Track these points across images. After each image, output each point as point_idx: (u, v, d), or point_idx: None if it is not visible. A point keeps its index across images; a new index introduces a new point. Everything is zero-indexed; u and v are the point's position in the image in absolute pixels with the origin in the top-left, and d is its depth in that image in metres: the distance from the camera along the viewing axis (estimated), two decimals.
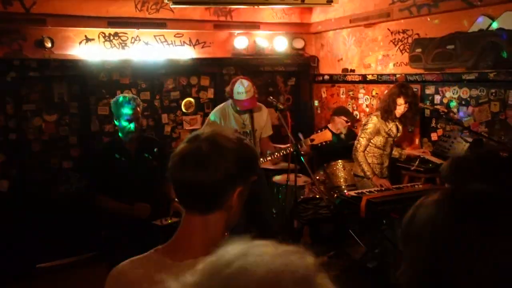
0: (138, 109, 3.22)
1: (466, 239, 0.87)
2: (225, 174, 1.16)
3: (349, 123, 5.24)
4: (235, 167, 1.17)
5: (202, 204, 1.20)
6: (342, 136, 5.19)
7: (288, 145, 3.86)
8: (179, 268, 1.15)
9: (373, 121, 4.33)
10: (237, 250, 0.61)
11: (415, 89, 4.91)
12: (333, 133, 4.98)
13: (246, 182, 1.23)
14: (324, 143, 4.00)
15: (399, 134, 4.47)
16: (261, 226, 4.20)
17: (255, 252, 0.60)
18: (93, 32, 4.85)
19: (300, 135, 4.73)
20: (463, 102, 4.48)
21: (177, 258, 1.18)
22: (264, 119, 4.10)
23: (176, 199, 3.32)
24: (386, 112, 4.26)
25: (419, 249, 0.92)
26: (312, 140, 3.89)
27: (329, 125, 5.49)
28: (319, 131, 3.96)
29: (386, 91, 4.54)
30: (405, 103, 4.20)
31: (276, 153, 3.98)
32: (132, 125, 3.16)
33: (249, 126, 4.03)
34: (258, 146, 4.10)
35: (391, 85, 4.51)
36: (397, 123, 4.38)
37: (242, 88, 3.79)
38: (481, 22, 4.19)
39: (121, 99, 3.18)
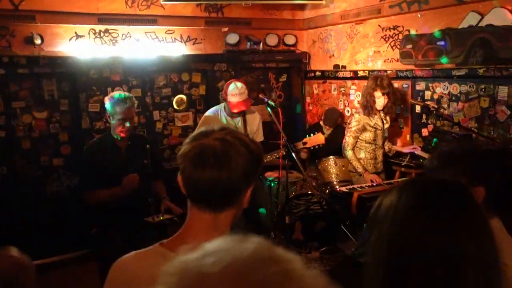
0: (134, 108, 3.20)
1: (416, 224, 0.91)
2: (243, 172, 1.16)
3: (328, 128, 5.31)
4: (250, 165, 1.18)
5: (217, 202, 1.20)
6: (326, 136, 5.26)
7: (280, 149, 3.89)
8: None
9: (356, 119, 4.39)
10: (194, 256, 0.63)
11: (406, 85, 4.95)
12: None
13: (256, 180, 1.26)
14: (316, 146, 4.02)
15: (386, 125, 4.52)
16: (255, 224, 4.22)
17: (212, 252, 0.61)
18: (83, 28, 4.82)
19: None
20: (453, 98, 4.51)
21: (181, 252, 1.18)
22: (257, 124, 4.13)
23: (166, 197, 3.33)
24: (367, 108, 4.32)
25: (380, 234, 0.96)
26: (305, 143, 3.93)
27: (321, 122, 5.52)
28: (311, 134, 3.98)
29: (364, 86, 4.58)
30: (383, 95, 4.24)
31: (268, 156, 4.01)
32: (127, 124, 3.14)
33: (241, 130, 4.05)
34: None
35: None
36: (381, 115, 4.43)
37: (235, 90, 3.82)
38: (471, 18, 4.22)
39: (116, 96, 3.14)
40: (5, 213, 4.41)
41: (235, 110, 3.84)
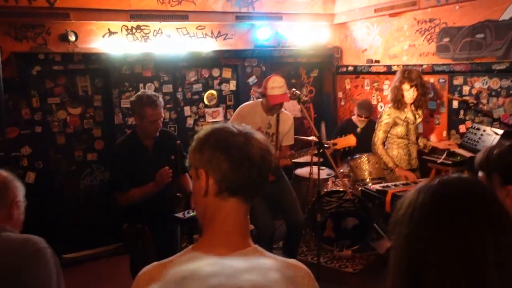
0: (162, 109, 3.20)
1: (433, 221, 0.91)
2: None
3: (364, 118, 5.23)
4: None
5: (253, 193, 1.23)
6: (358, 130, 5.14)
7: (311, 148, 3.83)
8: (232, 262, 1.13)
9: (387, 113, 4.29)
10: None
11: (442, 80, 4.78)
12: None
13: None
14: (347, 148, 3.94)
15: (419, 120, 4.40)
16: (289, 223, 4.16)
17: None
18: (116, 25, 4.87)
19: (323, 125, 4.66)
20: (493, 93, 4.32)
21: (221, 252, 1.14)
22: (289, 126, 4.08)
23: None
24: (396, 102, 4.22)
25: (399, 234, 0.95)
26: (335, 144, 3.85)
27: (353, 118, 5.41)
28: (343, 135, 3.91)
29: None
30: (411, 87, 4.13)
31: (302, 153, 3.95)
32: (156, 125, 3.15)
33: (273, 128, 4.01)
34: (279, 149, 4.08)
35: None
36: (412, 108, 4.31)
37: (276, 83, 3.80)
38: None
39: (145, 98, 3.13)
40: (40, 207, 4.52)
41: (276, 102, 3.81)
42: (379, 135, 4.30)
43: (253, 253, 1.16)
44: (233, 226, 1.19)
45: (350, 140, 3.88)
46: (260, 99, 4.07)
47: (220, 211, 1.19)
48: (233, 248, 1.15)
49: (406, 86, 4.16)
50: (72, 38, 4.57)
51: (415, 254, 0.91)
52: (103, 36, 4.83)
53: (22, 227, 1.88)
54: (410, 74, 4.16)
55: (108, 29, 4.85)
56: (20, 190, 1.84)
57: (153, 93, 3.24)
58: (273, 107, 3.88)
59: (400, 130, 4.29)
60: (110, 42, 4.85)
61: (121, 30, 4.92)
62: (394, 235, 0.98)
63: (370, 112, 5.29)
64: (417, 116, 4.37)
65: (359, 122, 5.25)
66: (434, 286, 0.88)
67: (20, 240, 1.69)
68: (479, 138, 4.14)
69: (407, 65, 5.12)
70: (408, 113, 4.28)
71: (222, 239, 1.17)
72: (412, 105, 4.30)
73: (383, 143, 4.33)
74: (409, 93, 4.17)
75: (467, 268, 0.87)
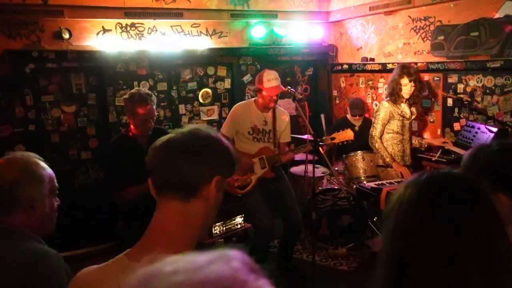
0: (154, 107, 3.20)
1: (418, 215, 0.91)
2: (203, 162, 1.15)
3: (358, 117, 5.24)
4: (217, 158, 1.17)
5: (178, 189, 1.15)
6: (356, 128, 5.14)
7: (307, 144, 3.85)
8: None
9: (384, 106, 4.33)
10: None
11: (437, 78, 4.80)
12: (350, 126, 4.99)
13: (224, 179, 1.20)
14: (345, 142, 3.96)
15: (413, 116, 4.43)
16: (289, 224, 4.17)
17: (166, 273, 0.54)
18: (110, 23, 4.84)
19: (322, 118, 4.66)
20: (488, 91, 4.34)
21: (151, 260, 1.09)
22: (286, 123, 4.09)
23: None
24: (394, 95, 4.27)
25: (387, 229, 0.96)
26: (333, 138, 3.88)
27: (348, 116, 5.42)
28: (341, 130, 3.92)
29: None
30: (410, 82, 4.19)
31: (295, 150, 3.98)
32: (148, 124, 3.14)
33: (270, 125, 4.01)
34: (277, 145, 4.10)
35: None
36: (407, 104, 4.35)
37: (271, 75, 3.85)
38: (508, 8, 4.04)
39: (136, 97, 3.13)
40: None
41: (276, 93, 3.83)
42: (377, 128, 4.34)
43: None
44: (167, 229, 1.13)
45: (348, 134, 3.91)
46: (253, 98, 4.08)
47: (157, 210, 1.17)
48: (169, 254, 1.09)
49: (405, 81, 4.20)
50: (66, 35, 4.53)
51: (400, 248, 0.92)
52: (97, 33, 4.80)
53: (53, 224, 1.72)
54: (409, 69, 4.24)
55: (102, 27, 4.82)
56: (39, 183, 1.59)
57: (147, 91, 3.24)
58: (269, 102, 3.88)
59: (395, 124, 4.32)
60: (105, 39, 4.82)
61: (116, 28, 4.89)
62: (383, 229, 0.99)
63: (363, 110, 5.31)
64: (412, 113, 4.40)
65: (354, 121, 5.26)
66: (415, 279, 0.88)
67: (33, 256, 1.48)
68: (474, 136, 4.15)
69: (402, 63, 5.13)
70: (404, 108, 4.32)
71: (154, 244, 1.11)
72: (408, 101, 4.33)
73: (380, 137, 4.35)
74: (407, 88, 4.22)
75: (448, 264, 0.87)
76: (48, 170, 1.65)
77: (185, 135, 1.18)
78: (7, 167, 1.56)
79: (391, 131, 4.34)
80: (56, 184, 1.69)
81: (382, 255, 0.97)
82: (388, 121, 4.32)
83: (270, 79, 3.82)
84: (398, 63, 5.15)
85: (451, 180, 0.97)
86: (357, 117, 5.22)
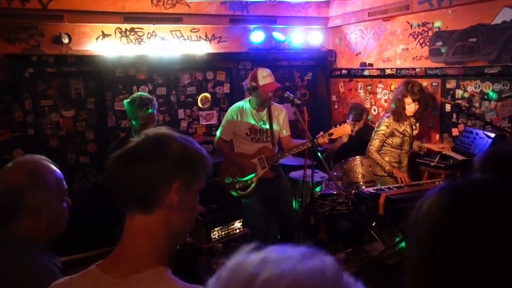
0: (155, 111, 3.20)
1: (455, 226, 0.89)
2: (155, 168, 1.10)
3: (355, 122, 5.23)
4: (171, 162, 1.11)
5: (137, 201, 1.11)
6: (353, 133, 5.16)
7: (306, 140, 3.85)
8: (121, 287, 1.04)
9: (385, 123, 4.29)
10: (255, 259, 0.56)
11: (435, 84, 4.81)
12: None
13: (189, 182, 1.14)
14: (339, 138, 3.97)
15: (415, 132, 4.40)
16: (285, 227, 4.18)
17: (274, 259, 0.55)
18: (109, 27, 4.86)
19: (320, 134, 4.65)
20: (485, 97, 4.36)
21: (119, 273, 1.07)
22: (283, 117, 4.12)
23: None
24: (397, 114, 4.23)
25: (420, 236, 0.94)
26: (331, 134, 3.87)
27: (348, 121, 5.42)
28: (338, 125, 3.93)
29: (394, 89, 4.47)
30: (413, 101, 4.14)
31: (294, 149, 3.98)
32: (148, 128, 3.15)
33: (266, 123, 4.01)
34: (276, 144, 4.11)
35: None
36: (411, 121, 4.32)
37: (265, 72, 3.88)
38: (505, 14, 4.06)
39: (137, 101, 3.14)
40: None
41: (272, 89, 3.85)
42: (374, 144, 4.32)
43: (152, 277, 1.06)
44: (134, 243, 1.11)
45: (345, 129, 3.90)
46: (247, 98, 4.08)
47: (126, 226, 1.14)
48: (134, 268, 1.06)
49: (408, 100, 4.16)
50: (65, 40, 4.54)
51: (437, 253, 0.90)
52: (97, 38, 4.81)
53: (62, 227, 1.66)
54: (413, 87, 4.14)
55: (102, 32, 4.83)
56: (45, 188, 1.54)
57: (148, 95, 3.25)
58: (265, 99, 3.89)
59: (395, 141, 4.31)
60: (104, 44, 4.84)
61: (115, 33, 4.90)
62: (413, 236, 0.97)
63: (362, 115, 5.31)
64: (414, 128, 4.37)
65: (355, 126, 5.25)
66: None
67: (32, 270, 1.44)
68: (472, 141, 4.16)
69: (400, 69, 5.15)
70: (406, 126, 4.28)
71: (122, 257, 1.10)
72: (412, 118, 4.31)
73: (377, 151, 4.35)
74: (411, 107, 4.17)
75: (492, 269, 0.85)
76: (56, 173, 1.62)
77: (136, 143, 1.14)
78: (13, 172, 1.53)
79: (390, 146, 4.34)
80: (65, 186, 1.66)
81: (414, 262, 0.95)
82: (387, 137, 4.31)
83: (265, 76, 3.85)
84: (397, 69, 5.19)
85: (490, 185, 0.97)
86: (356, 123, 5.23)
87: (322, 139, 3.83)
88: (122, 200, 1.13)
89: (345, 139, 4.06)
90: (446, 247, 0.89)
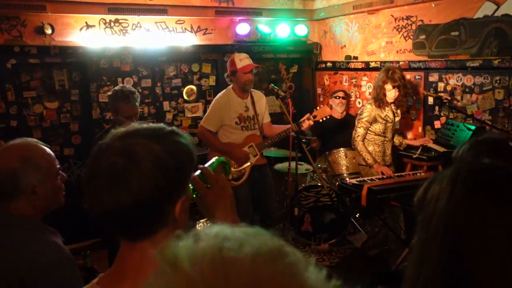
0: (137, 103, 3.21)
1: (473, 212, 0.89)
2: (154, 190, 0.95)
3: (341, 100, 5.29)
4: (165, 178, 0.96)
5: (137, 229, 1.00)
6: (339, 115, 5.21)
7: (289, 126, 3.90)
8: None
9: (367, 110, 4.37)
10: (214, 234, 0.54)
11: (418, 77, 4.88)
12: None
13: (187, 186, 1.06)
14: (325, 118, 4.04)
15: (397, 118, 4.51)
16: (264, 215, 4.22)
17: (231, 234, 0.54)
18: (93, 18, 4.81)
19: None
20: (467, 90, 4.43)
21: None
22: (264, 103, 4.20)
23: None
24: (378, 100, 4.32)
25: (432, 224, 0.93)
26: (315, 116, 3.94)
27: (330, 100, 5.48)
28: (318, 108, 4.01)
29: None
30: (393, 88, 4.23)
31: (282, 133, 4.02)
32: (131, 121, 3.15)
33: (251, 110, 4.04)
34: (262, 130, 4.15)
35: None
36: (392, 108, 4.41)
37: (242, 55, 3.99)
38: (487, 8, 4.13)
39: (119, 93, 3.15)
40: None
41: (250, 69, 3.90)
42: (359, 131, 4.39)
43: None
44: (135, 267, 1.02)
45: (326, 110, 4.02)
46: (229, 86, 4.09)
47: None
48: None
49: (388, 86, 4.24)
50: (48, 31, 4.49)
51: (453, 233, 0.89)
52: (81, 29, 4.77)
53: (60, 201, 1.75)
54: (393, 74, 4.23)
55: (86, 22, 4.78)
56: (38, 170, 1.58)
57: (130, 88, 3.25)
58: (246, 82, 3.91)
59: (378, 127, 4.38)
60: (88, 35, 4.79)
61: (99, 24, 4.86)
62: (422, 216, 0.96)
63: (345, 93, 5.38)
64: (396, 115, 4.47)
65: (338, 106, 5.26)
66: (482, 271, 0.86)
67: (34, 249, 1.50)
68: (453, 133, 4.24)
69: (385, 62, 5.20)
70: (388, 112, 4.37)
71: (123, 275, 1.03)
72: (393, 104, 4.39)
73: (363, 140, 4.41)
74: (391, 93, 4.26)
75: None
76: (47, 154, 1.65)
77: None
78: (5, 156, 1.57)
79: (373, 133, 4.42)
80: (57, 165, 1.70)
81: (426, 241, 0.93)
82: (371, 124, 4.38)
83: (242, 59, 3.93)
84: (381, 62, 5.24)
85: (500, 169, 0.96)
86: (340, 99, 5.25)
87: (308, 121, 3.89)
88: (117, 228, 1.08)
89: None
90: (465, 224, 0.88)
